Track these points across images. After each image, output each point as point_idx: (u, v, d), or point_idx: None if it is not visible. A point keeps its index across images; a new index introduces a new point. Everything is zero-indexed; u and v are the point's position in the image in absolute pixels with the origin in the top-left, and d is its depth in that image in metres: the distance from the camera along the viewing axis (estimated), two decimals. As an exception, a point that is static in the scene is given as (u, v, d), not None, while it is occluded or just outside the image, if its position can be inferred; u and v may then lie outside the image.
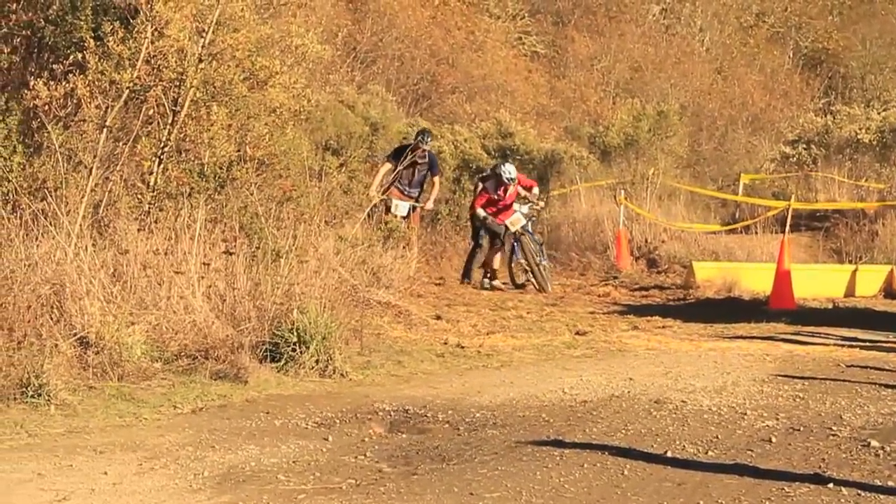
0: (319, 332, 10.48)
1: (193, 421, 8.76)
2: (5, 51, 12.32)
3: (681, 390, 10.10)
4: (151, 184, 12.27)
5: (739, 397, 9.82)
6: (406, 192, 18.38)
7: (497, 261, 18.59)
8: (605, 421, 8.91)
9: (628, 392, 10.04)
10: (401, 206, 18.14)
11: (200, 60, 12.48)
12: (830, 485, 7.09)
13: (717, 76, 42.31)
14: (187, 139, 12.72)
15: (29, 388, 8.88)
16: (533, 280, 18.21)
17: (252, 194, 12.55)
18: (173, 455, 7.71)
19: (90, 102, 12.03)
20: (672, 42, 42.73)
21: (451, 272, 19.35)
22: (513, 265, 18.49)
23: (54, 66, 12.38)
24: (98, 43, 12.18)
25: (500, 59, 38.20)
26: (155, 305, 10.70)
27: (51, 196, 11.24)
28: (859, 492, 7.01)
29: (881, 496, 6.95)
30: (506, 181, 18.45)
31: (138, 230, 11.39)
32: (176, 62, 12.32)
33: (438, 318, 14.05)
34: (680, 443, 8.20)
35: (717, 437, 8.38)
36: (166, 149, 12.36)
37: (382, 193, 18.09)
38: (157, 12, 12.18)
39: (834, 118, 32.84)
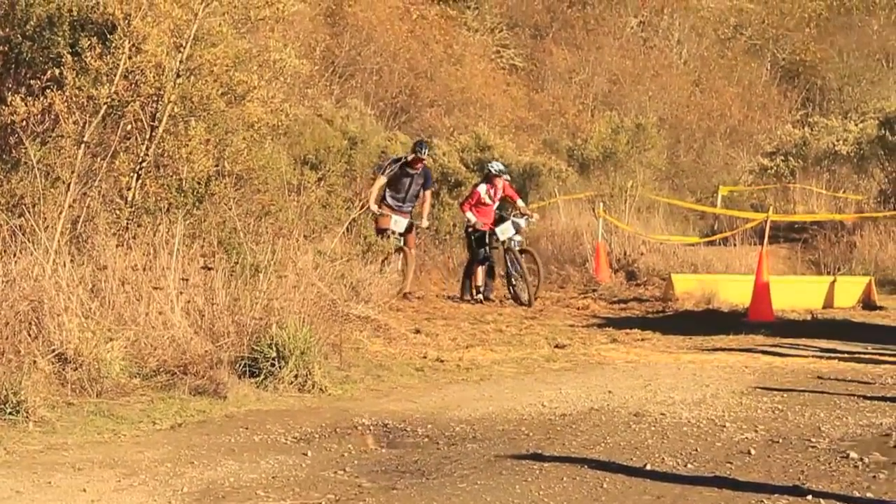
0: (298, 346, 10.46)
1: (172, 437, 8.74)
2: (-18, 67, 12.31)
3: (660, 403, 10.12)
4: (130, 199, 12.26)
5: (718, 409, 9.84)
6: (401, 208, 18.05)
7: (480, 275, 18.62)
8: (584, 434, 8.91)
9: (607, 405, 10.05)
10: (400, 222, 17.82)
11: (178, 75, 12.47)
12: (809, 497, 7.10)
13: (695, 89, 42.44)
14: (165, 154, 12.70)
15: (7, 405, 8.84)
16: (513, 292, 18.24)
17: (230, 209, 12.54)
18: (152, 471, 7.69)
19: (68, 118, 12.01)
20: (650, 55, 42.86)
21: (429, 286, 19.36)
22: (513, 278, 18.50)
23: (32, 82, 12.36)
24: (76, 58, 12.17)
25: (479, 72, 38.27)
26: (133, 321, 10.67)
27: (28, 212, 11.22)
28: (838, 503, 7.03)
29: (860, 508, 6.98)
30: (494, 173, 18.55)
31: (117, 246, 11.37)
32: (154, 77, 12.31)
33: (418, 331, 14.05)
34: (659, 455, 8.21)
35: (697, 450, 8.39)
36: (144, 164, 12.35)
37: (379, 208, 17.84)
38: (134, 28, 12.17)
39: (812, 130, 33.01)
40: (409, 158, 18.15)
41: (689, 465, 7.95)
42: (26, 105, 11.85)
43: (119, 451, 8.27)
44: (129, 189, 12.30)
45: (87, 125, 12.03)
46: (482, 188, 18.72)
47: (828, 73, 44.07)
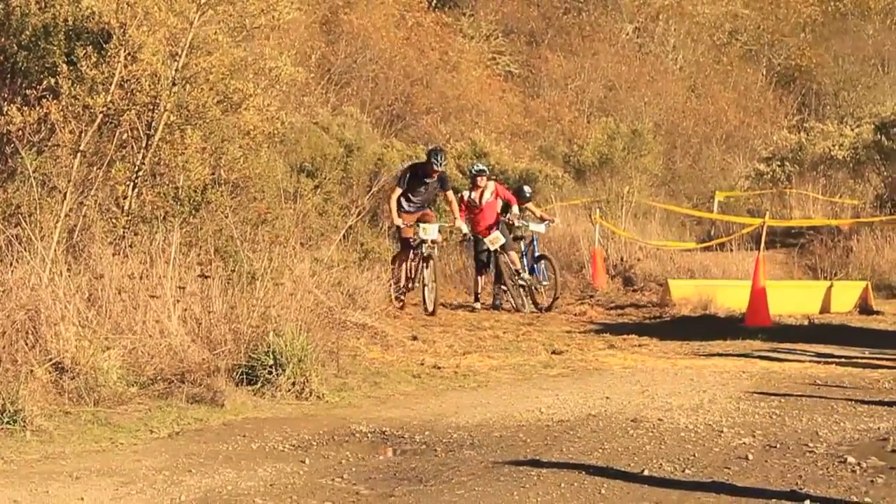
0: (295, 354, 10.46)
1: (170, 445, 8.73)
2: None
3: (657, 408, 10.11)
4: (126, 208, 12.26)
5: (716, 415, 9.83)
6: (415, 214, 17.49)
7: (479, 282, 18.69)
8: (582, 440, 8.91)
9: (605, 411, 10.05)
10: (429, 230, 17.25)
11: (174, 84, 12.48)
12: (807, 502, 7.10)
13: (691, 94, 42.49)
14: (161, 163, 12.71)
15: (4, 415, 8.83)
16: (511, 300, 18.27)
17: (227, 217, 12.55)
18: (150, 480, 7.68)
19: (64, 127, 12.02)
20: (646, 61, 42.90)
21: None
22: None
23: (27, 92, 12.37)
24: (71, 68, 12.18)
25: (475, 79, 38.30)
26: (130, 330, 10.67)
27: (25, 221, 11.21)
28: (836, 508, 7.04)
29: (858, 512, 6.98)
30: (473, 173, 18.61)
31: (113, 254, 11.37)
32: (149, 86, 12.33)
33: (415, 338, 14.05)
34: (657, 461, 8.21)
35: (694, 455, 8.39)
36: (140, 173, 12.35)
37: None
38: (130, 36, 12.18)
39: (807, 135, 33.06)
40: (425, 167, 17.55)
41: (686, 471, 7.95)
42: (22, 114, 11.87)
43: (116, 459, 8.26)
44: (125, 198, 12.31)
45: (83, 134, 12.03)
46: (466, 192, 18.77)
47: (823, 78, 44.15)
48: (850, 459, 8.16)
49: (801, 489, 7.40)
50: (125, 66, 12.23)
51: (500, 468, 8.03)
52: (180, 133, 12.67)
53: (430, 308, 17.01)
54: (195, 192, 12.66)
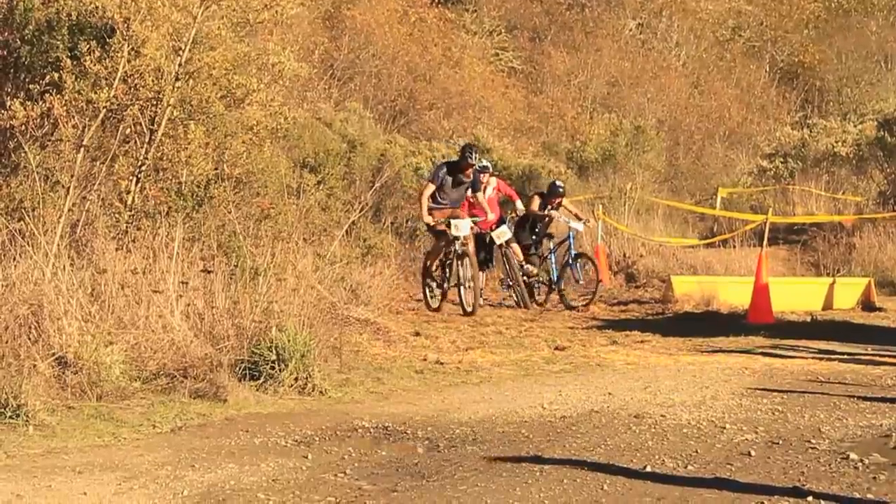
0: (298, 349, 10.46)
1: (173, 440, 8.74)
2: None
3: (660, 405, 10.11)
4: (129, 203, 12.27)
5: (718, 411, 9.83)
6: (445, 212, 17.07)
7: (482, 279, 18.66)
8: (584, 436, 8.91)
9: (607, 407, 10.05)
10: (461, 226, 16.80)
11: (177, 79, 12.49)
12: (810, 498, 7.10)
13: (694, 90, 42.44)
14: (164, 158, 12.72)
15: (7, 409, 8.84)
16: (514, 295, 18.24)
17: (230, 212, 12.55)
18: (152, 475, 7.69)
19: (67, 122, 12.02)
20: (648, 57, 42.86)
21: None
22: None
23: (31, 86, 12.37)
24: (74, 62, 12.18)
25: (477, 75, 38.25)
26: (133, 324, 10.67)
27: (28, 216, 11.22)
28: (838, 505, 7.04)
29: (860, 509, 6.98)
30: (478, 170, 18.48)
31: (116, 249, 11.37)
32: (153, 81, 12.33)
33: (417, 334, 14.04)
34: (659, 457, 8.21)
35: (697, 452, 8.39)
36: (144, 168, 12.36)
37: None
38: (133, 31, 12.19)
39: (810, 131, 33.06)
40: (460, 165, 17.11)
41: (689, 467, 7.95)
42: (25, 109, 11.87)
43: (119, 454, 8.26)
44: (128, 193, 12.31)
45: (86, 129, 12.04)
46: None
47: (826, 75, 44.10)
48: (853, 456, 8.16)
49: (803, 485, 7.40)
50: (128, 61, 12.24)
51: (502, 464, 8.03)
52: (183, 128, 12.68)
53: (469, 308, 16.51)
54: (198, 187, 12.66)
